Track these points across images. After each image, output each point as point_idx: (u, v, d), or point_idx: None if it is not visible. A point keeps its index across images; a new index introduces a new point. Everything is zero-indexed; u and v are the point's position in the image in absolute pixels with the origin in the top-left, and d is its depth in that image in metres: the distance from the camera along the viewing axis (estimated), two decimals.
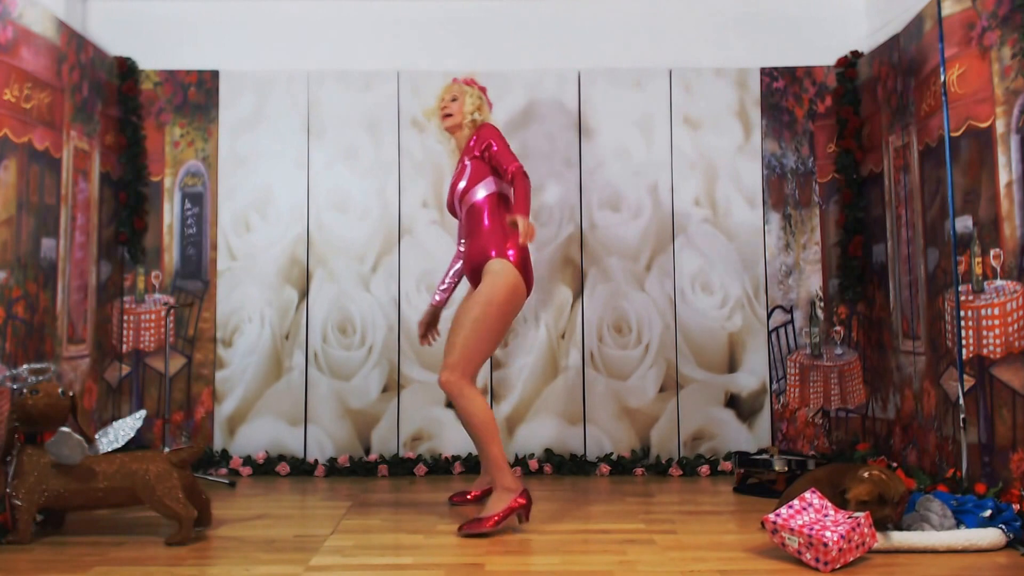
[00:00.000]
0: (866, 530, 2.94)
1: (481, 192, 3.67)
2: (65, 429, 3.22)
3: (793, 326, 4.82)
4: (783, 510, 3.01)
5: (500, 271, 3.52)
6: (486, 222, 3.64)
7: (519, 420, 4.75)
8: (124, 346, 4.77)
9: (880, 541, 3.02)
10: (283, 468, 4.65)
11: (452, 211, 3.88)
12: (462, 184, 3.71)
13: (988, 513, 3.16)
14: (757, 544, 3.17)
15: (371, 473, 4.66)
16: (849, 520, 2.93)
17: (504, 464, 3.42)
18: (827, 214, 4.85)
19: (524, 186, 3.49)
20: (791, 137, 4.88)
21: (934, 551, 3.03)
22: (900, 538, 3.07)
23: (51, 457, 3.23)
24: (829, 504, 3.03)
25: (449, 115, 3.85)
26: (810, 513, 2.99)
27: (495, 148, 3.64)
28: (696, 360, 4.78)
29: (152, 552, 3.12)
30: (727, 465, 4.63)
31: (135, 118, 4.77)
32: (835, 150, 4.82)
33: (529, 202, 3.48)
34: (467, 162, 3.72)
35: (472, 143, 3.73)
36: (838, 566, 2.84)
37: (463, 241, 3.81)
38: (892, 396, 4.42)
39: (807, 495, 3.05)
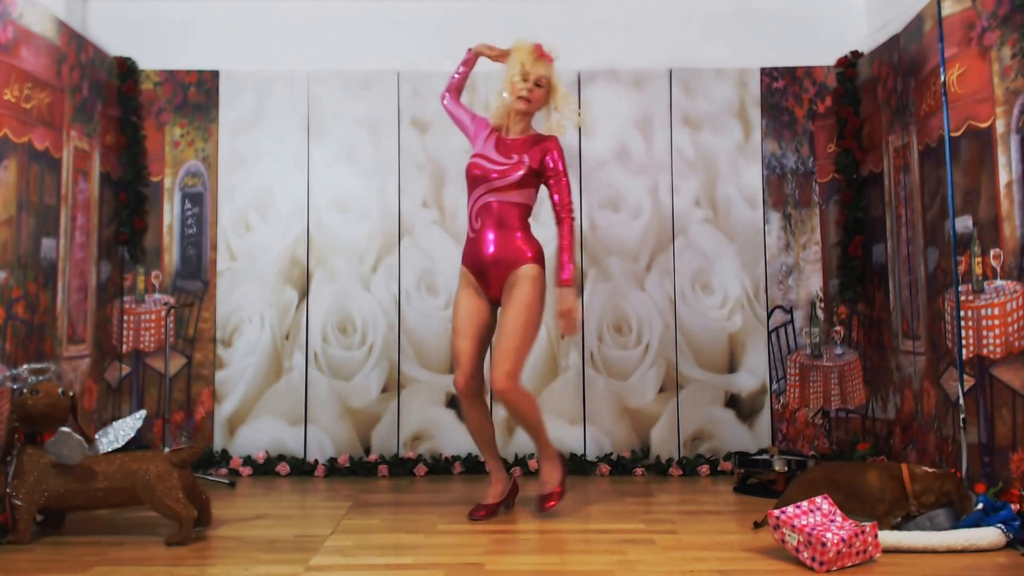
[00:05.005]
0: (870, 539, 2.92)
1: (521, 198, 3.66)
2: (65, 429, 3.22)
3: (793, 326, 4.82)
4: (790, 508, 3.00)
5: (536, 276, 3.64)
6: (521, 227, 3.67)
7: None
8: (124, 346, 4.77)
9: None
10: (283, 468, 4.64)
11: (477, 178, 3.67)
12: (514, 176, 3.61)
13: (980, 506, 3.18)
14: (757, 544, 3.17)
15: (371, 473, 4.66)
16: (855, 527, 2.92)
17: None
18: (827, 214, 4.85)
19: (571, 233, 3.63)
20: (791, 137, 4.88)
21: (934, 551, 3.03)
22: (900, 538, 3.07)
23: (51, 457, 3.23)
24: (838, 511, 3.02)
25: (528, 100, 3.67)
26: (816, 516, 2.98)
27: (564, 181, 3.65)
28: (696, 360, 4.78)
29: (152, 552, 3.12)
30: (727, 465, 4.63)
31: (135, 118, 4.77)
32: (835, 150, 4.82)
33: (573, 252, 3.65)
34: (525, 160, 3.63)
35: (539, 150, 3.65)
36: (834, 568, 2.84)
37: (480, 225, 3.67)
38: (892, 396, 4.42)
39: (818, 499, 3.03)
